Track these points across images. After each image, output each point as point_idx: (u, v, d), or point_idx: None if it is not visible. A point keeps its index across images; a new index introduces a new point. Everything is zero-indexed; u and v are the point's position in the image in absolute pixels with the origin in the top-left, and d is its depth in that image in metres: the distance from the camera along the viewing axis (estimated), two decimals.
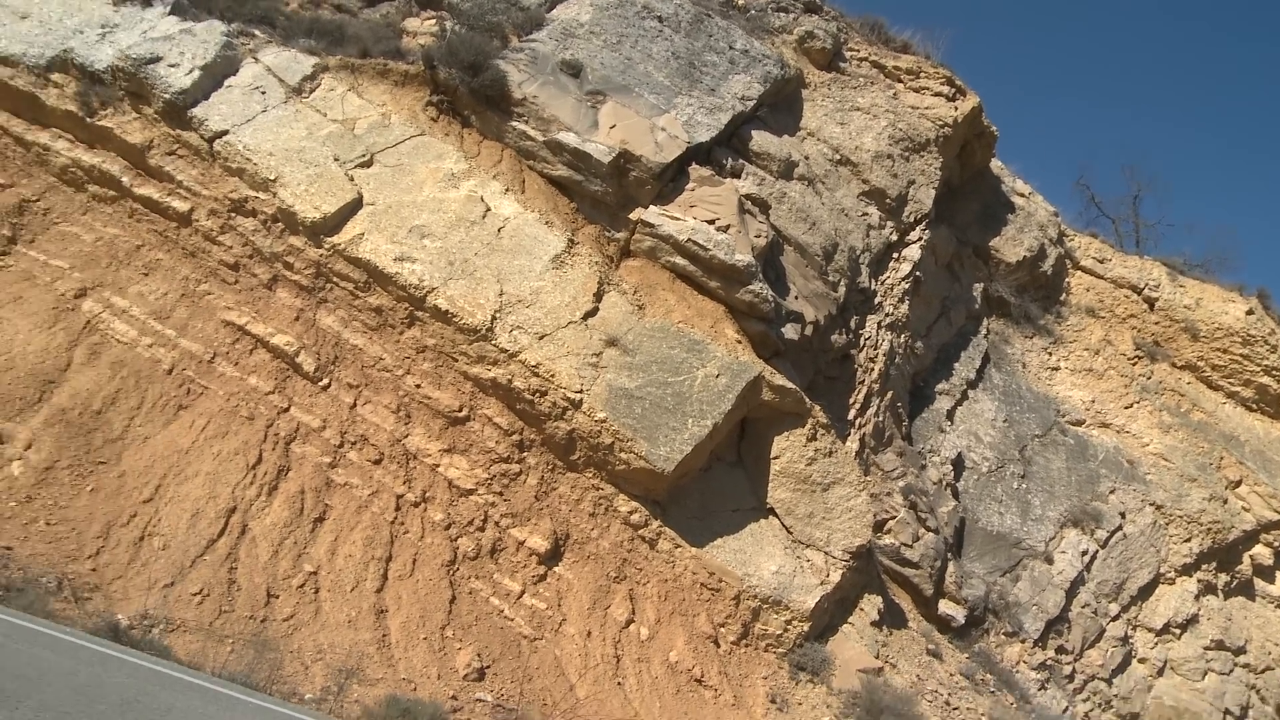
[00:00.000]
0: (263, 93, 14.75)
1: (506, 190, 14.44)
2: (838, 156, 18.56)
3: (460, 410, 13.29)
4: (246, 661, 10.86)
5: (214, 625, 11.35)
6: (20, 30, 15.05)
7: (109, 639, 10.04)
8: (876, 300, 18.35)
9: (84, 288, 13.87)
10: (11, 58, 14.71)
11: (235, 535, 12.19)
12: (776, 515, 14.66)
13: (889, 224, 18.90)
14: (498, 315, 13.25)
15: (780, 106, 18.46)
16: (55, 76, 14.64)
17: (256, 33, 15.70)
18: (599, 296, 13.97)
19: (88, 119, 14.46)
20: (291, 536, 12.35)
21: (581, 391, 13.18)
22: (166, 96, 14.21)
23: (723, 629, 13.82)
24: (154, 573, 11.67)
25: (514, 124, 15.02)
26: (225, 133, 14.10)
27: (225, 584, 11.76)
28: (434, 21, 16.81)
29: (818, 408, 15.20)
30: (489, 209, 14.12)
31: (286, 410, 13.17)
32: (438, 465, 13.13)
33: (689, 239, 14.68)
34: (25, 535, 11.71)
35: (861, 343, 17.81)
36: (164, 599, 11.39)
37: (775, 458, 14.75)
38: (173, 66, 14.48)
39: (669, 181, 15.33)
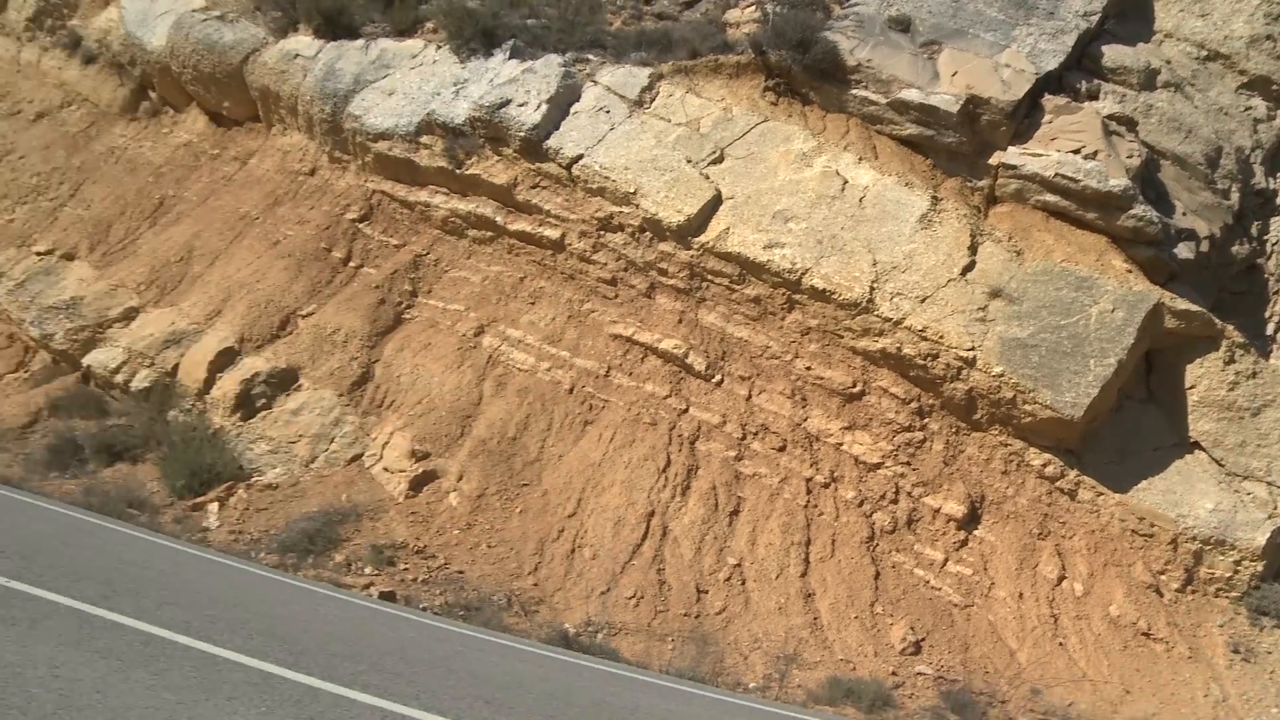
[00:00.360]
0: (607, 112, 15.54)
1: (860, 159, 14.46)
2: (1204, 52, 17.22)
3: (854, 386, 13.45)
4: (690, 657, 11.45)
5: (652, 625, 12.05)
6: (389, 106, 16.73)
7: (561, 646, 10.91)
8: (1279, 200, 16.89)
9: (481, 325, 15.19)
10: (387, 131, 16.41)
11: (657, 538, 12.91)
12: (1203, 448, 13.81)
13: (1279, 113, 17.35)
14: (875, 285, 13.31)
15: (1128, 13, 17.36)
16: (424, 139, 16.14)
17: (590, 57, 16.56)
18: (973, 249, 13.73)
19: (456, 170, 15.82)
20: (710, 532, 12.93)
21: (973, 349, 13.00)
22: (521, 134, 15.27)
23: (1163, 576, 13.16)
24: (589, 582, 12.55)
25: (854, 92, 15.01)
26: (580, 157, 14.97)
27: (656, 585, 12.47)
28: (754, 8, 17.06)
29: (1230, 327, 14.19)
30: (846, 181, 14.21)
31: (685, 411, 13.82)
32: (841, 444, 13.35)
33: (1056, 173, 14.12)
34: (472, 559, 12.93)
35: (1268, 249, 16.42)
36: (602, 605, 12.22)
37: (1191, 387, 13.91)
38: (521, 106, 15.54)
39: (1023, 118, 14.81)
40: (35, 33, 23.77)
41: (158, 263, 17.89)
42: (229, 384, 15.53)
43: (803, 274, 13.44)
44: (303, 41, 18.66)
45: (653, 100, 15.68)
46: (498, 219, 15.62)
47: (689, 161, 14.66)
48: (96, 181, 20.37)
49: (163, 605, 6.94)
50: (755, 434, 13.55)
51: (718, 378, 13.93)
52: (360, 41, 18.29)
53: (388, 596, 11.76)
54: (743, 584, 12.56)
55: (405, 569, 12.73)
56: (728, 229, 13.94)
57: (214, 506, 13.99)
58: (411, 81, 17.08)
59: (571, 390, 14.40)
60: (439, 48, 17.57)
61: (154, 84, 21.14)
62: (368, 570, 12.61)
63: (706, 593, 12.47)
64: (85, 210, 19.81)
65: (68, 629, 5.59)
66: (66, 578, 7.14)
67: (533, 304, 15.23)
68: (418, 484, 14.00)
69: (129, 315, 17.37)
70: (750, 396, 13.74)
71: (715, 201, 14.25)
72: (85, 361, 17.00)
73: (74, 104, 22.29)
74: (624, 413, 14.01)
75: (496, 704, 6.44)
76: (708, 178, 14.47)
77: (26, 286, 18.54)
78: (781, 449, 13.41)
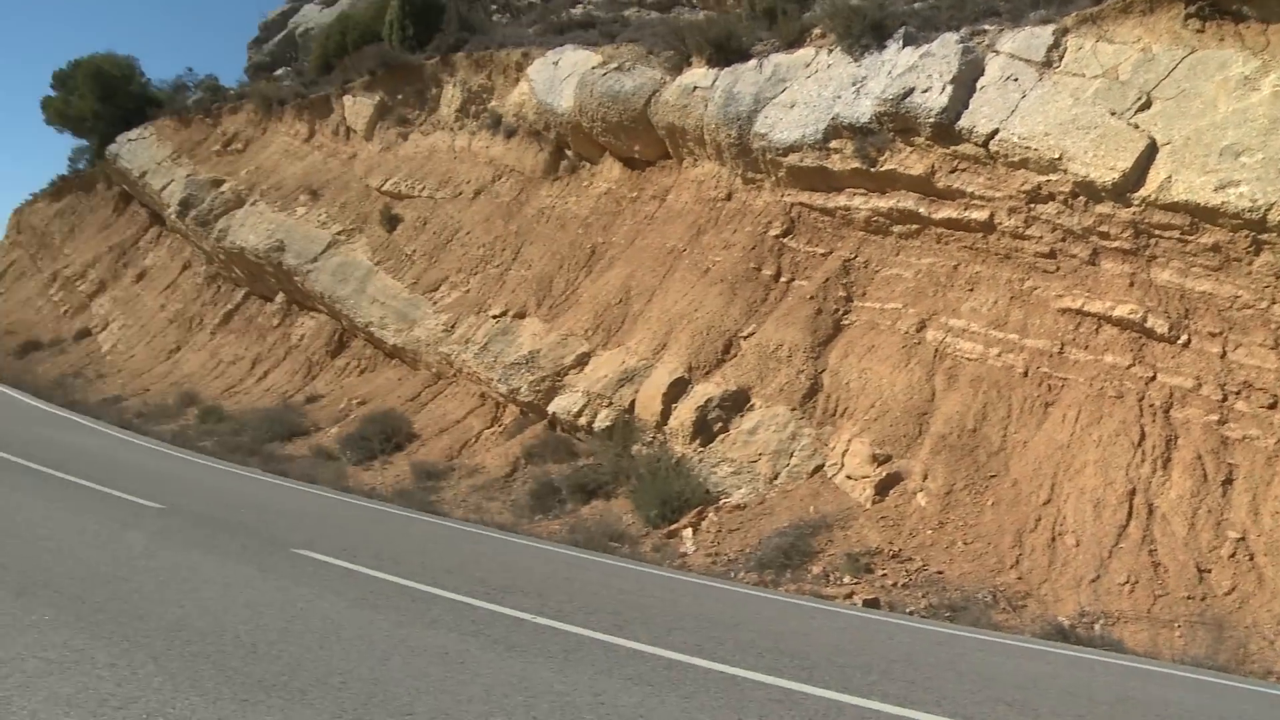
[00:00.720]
0: (1015, 79, 15.26)
1: None
2: None
3: None
4: (1204, 644, 10.83)
5: (1152, 611, 11.58)
6: (793, 118, 17.39)
7: (1059, 640, 10.75)
8: None
9: (921, 320, 15.37)
10: (795, 143, 17.07)
11: (1143, 517, 12.42)
12: None
13: None
14: None
15: None
16: (833, 144, 16.61)
17: (986, 27, 16.36)
18: None
19: (870, 169, 16.13)
20: (1202, 506, 12.27)
21: None
22: (930, 120, 15.31)
23: None
24: (1075, 570, 12.27)
25: None
26: (996, 132, 14.78)
27: (1149, 568, 11.98)
28: None
29: None
30: None
31: (1153, 379, 13.26)
32: None
33: None
34: (949, 558, 13.04)
35: None
36: (1093, 594, 11.90)
37: None
38: (925, 92, 15.58)
39: None
40: (464, 120, 26.74)
41: (599, 307, 19.49)
42: (684, 413, 16.60)
43: (1266, 210, 12.48)
44: (698, 74, 19.74)
45: (1061, 57, 15.21)
46: (920, 210, 15.76)
47: (1113, 114, 14.08)
48: (533, 242, 22.51)
49: (671, 630, 7.58)
50: (1237, 393, 12.72)
51: (1183, 338, 13.23)
52: (753, 62, 19.08)
53: (871, 604, 12.10)
54: (1250, 559, 11.76)
55: (883, 574, 13.03)
56: (1169, 177, 13.24)
57: (688, 532, 14.97)
58: (810, 90, 17.59)
59: (1026, 373, 14.22)
60: (830, 51, 17.98)
61: (569, 143, 23.11)
62: (846, 579, 13.02)
63: (1209, 572, 11.81)
64: (527, 270, 21.91)
65: (597, 658, 6.26)
66: (581, 611, 8.06)
67: (971, 290, 15.20)
68: (883, 488, 14.29)
69: (582, 361, 19.03)
70: (1225, 354, 12.92)
71: (1150, 150, 13.58)
72: (550, 409, 18.80)
73: (503, 176, 24.77)
74: (1085, 389, 13.65)
75: (1018, 705, 6.51)
76: (1137, 127, 13.82)
77: (489, 348, 20.77)
78: (1272, 406, 12.50)
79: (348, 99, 30.85)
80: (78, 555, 7.97)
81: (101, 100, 45.17)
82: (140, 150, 41.00)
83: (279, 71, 38.83)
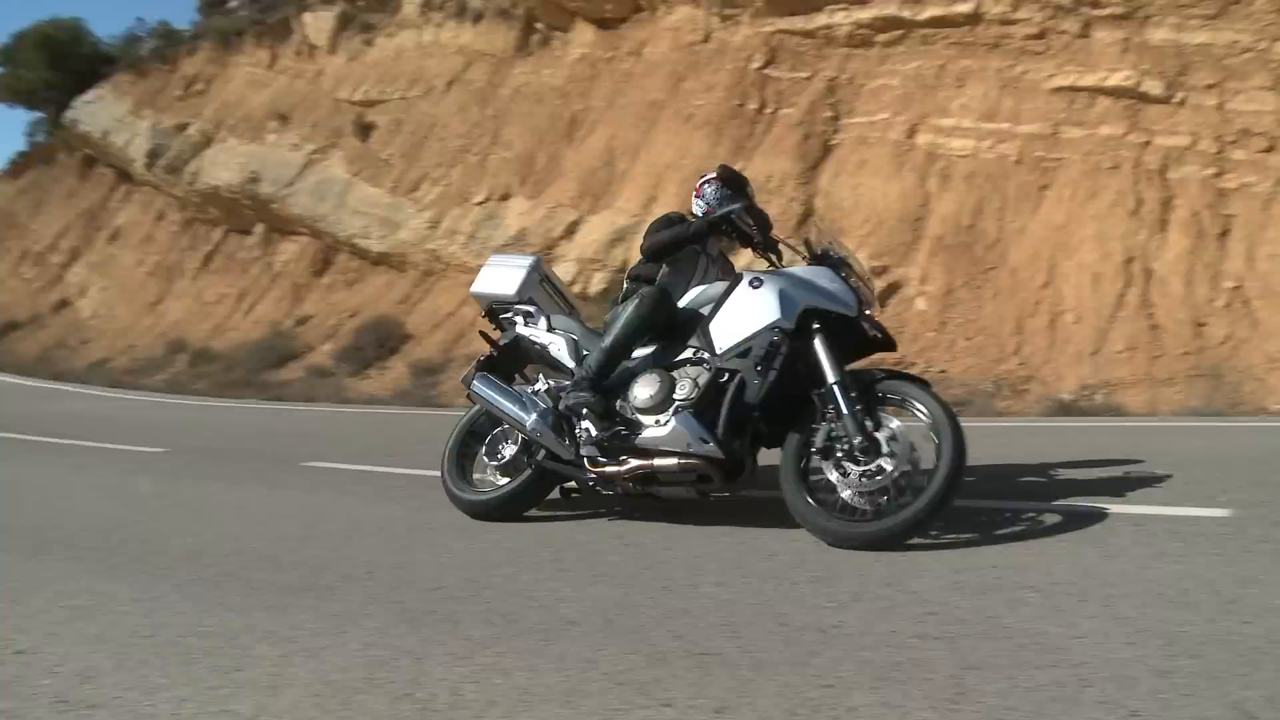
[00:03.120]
0: None
1: None
2: None
3: None
4: (1200, 394, 11.27)
5: (1151, 373, 11.99)
6: None
7: (1061, 415, 11.11)
8: None
9: (911, 126, 15.71)
10: None
11: (1141, 283, 12.87)
12: None
13: None
14: None
15: None
16: None
17: None
18: None
19: None
20: (1199, 262, 12.68)
21: None
22: None
23: None
24: (1075, 346, 12.72)
25: None
26: None
27: (1147, 331, 12.44)
28: None
29: None
30: None
31: (1148, 144, 13.58)
32: None
33: None
34: (951, 356, 13.47)
35: None
36: (1094, 367, 12.36)
37: None
38: None
39: None
40: (429, 14, 26.75)
41: (584, 174, 19.67)
42: None
43: None
44: None
45: None
46: (904, 14, 16.00)
47: None
48: (511, 123, 22.61)
49: None
50: (1234, 142, 12.98)
51: (1179, 97, 13.46)
52: None
53: None
54: (1245, 305, 12.14)
55: None
56: None
57: None
58: None
59: (1019, 161, 14.49)
60: None
61: (538, 15, 23.14)
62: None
63: (1205, 325, 12.17)
64: (508, 152, 22.05)
65: None
66: None
67: (960, 87, 15.44)
68: (881, 299, 14.56)
69: (571, 229, 19.24)
70: (1221, 105, 13.16)
71: None
72: None
73: (474, 62, 24.83)
74: (1080, 166, 13.93)
75: None
76: None
77: (476, 236, 21.01)
78: (1269, 149, 12.77)
79: (307, 16, 30.89)
80: (88, 508, 8.08)
81: (52, 68, 44.95)
82: (99, 110, 41.09)
83: (233, 3, 38.79)
